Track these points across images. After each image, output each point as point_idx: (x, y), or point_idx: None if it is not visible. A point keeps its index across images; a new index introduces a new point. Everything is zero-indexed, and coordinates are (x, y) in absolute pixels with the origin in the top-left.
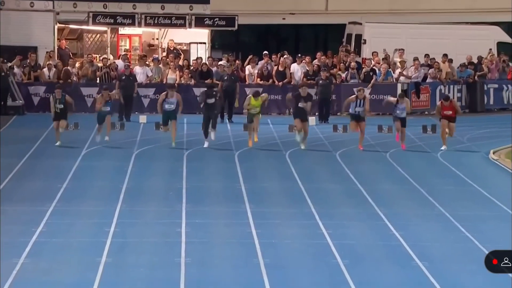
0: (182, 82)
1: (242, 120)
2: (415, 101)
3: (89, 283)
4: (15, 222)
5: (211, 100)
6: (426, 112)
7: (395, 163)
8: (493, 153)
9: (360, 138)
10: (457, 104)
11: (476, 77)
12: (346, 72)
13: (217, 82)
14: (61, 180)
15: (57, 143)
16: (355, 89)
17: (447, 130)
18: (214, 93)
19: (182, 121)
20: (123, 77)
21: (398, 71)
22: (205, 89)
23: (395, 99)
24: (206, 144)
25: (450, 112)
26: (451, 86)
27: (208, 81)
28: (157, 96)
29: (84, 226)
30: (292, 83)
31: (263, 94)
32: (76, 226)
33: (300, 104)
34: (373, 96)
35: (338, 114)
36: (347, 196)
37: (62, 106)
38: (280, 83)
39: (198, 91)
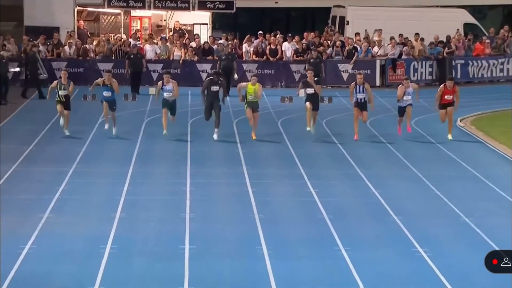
0: (187, 58)
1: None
2: (392, 75)
3: (105, 235)
4: (40, 181)
5: (215, 88)
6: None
7: (375, 130)
8: (460, 120)
9: (355, 127)
10: (458, 89)
11: (445, 53)
12: (331, 49)
13: (217, 58)
14: (80, 145)
15: (61, 123)
16: (356, 74)
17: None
18: (220, 81)
19: (186, 93)
20: (132, 56)
21: (376, 48)
22: (211, 77)
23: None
24: (215, 136)
25: (451, 97)
26: (423, 62)
27: (209, 57)
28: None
29: (100, 185)
30: (283, 59)
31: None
32: (93, 185)
33: (308, 91)
34: (354, 70)
35: (324, 86)
36: (331, 159)
37: (65, 92)
38: (273, 59)
39: (201, 66)
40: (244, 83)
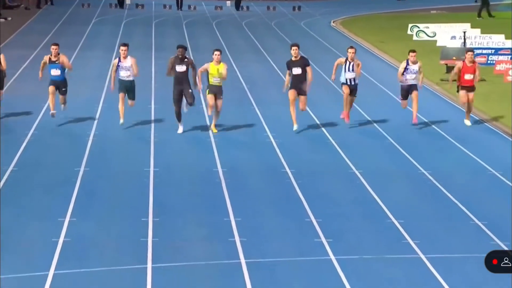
0: None
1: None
2: None
3: (98, 97)
4: None
5: (181, 68)
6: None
7: (285, 36)
8: (333, 22)
9: (346, 108)
10: (478, 65)
11: None
12: None
13: None
14: (81, 37)
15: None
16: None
17: (468, 98)
18: (186, 59)
19: (151, 3)
20: None
21: None
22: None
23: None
24: (180, 130)
25: (471, 77)
26: None
27: None
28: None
29: (95, 63)
30: None
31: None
32: (91, 61)
33: (294, 71)
34: None
35: None
36: (249, 49)
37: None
38: None
39: None
40: (204, 66)
